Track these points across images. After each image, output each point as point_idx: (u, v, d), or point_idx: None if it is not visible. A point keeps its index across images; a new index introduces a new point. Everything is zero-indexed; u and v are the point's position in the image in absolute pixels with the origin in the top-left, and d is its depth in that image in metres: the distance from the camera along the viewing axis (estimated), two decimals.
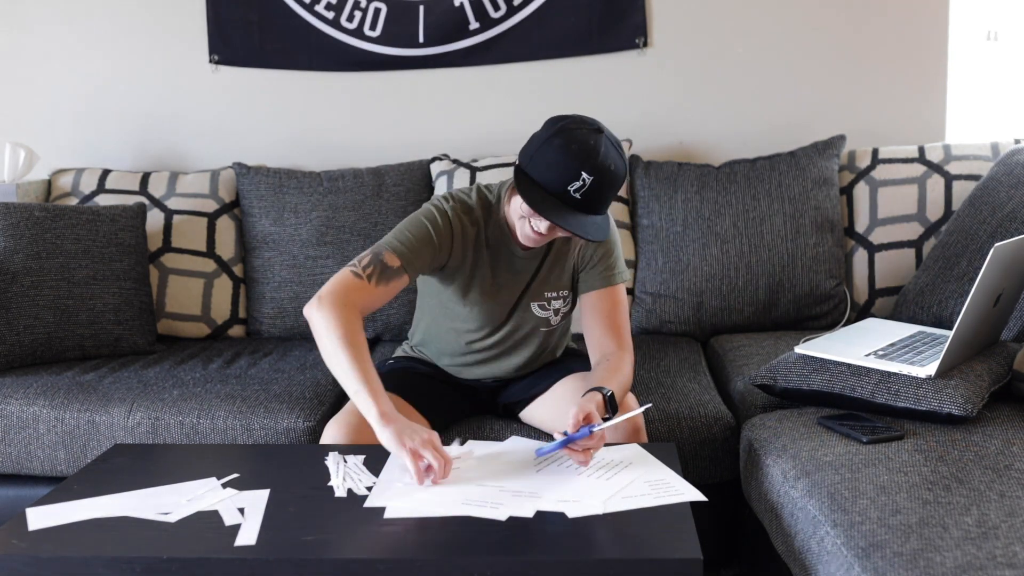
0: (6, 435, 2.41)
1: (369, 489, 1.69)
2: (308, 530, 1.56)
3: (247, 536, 1.53)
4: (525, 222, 1.95)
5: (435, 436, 1.75)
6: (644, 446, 1.88)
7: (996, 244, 1.86)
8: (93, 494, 1.72)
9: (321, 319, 1.87)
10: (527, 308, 2.13)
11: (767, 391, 2.19)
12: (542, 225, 1.91)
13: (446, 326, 2.18)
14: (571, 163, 1.84)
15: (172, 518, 1.61)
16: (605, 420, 1.80)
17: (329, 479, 1.74)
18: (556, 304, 2.13)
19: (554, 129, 1.89)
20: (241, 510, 1.63)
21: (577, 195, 1.85)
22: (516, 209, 1.97)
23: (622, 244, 2.90)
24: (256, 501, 1.66)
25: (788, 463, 1.84)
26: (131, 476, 1.82)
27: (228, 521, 1.59)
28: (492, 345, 2.17)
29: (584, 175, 1.84)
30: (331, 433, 1.99)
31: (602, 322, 2.07)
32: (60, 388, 2.47)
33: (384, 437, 1.75)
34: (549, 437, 2.11)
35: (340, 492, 1.69)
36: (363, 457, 1.83)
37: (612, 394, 1.87)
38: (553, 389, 2.14)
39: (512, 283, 2.11)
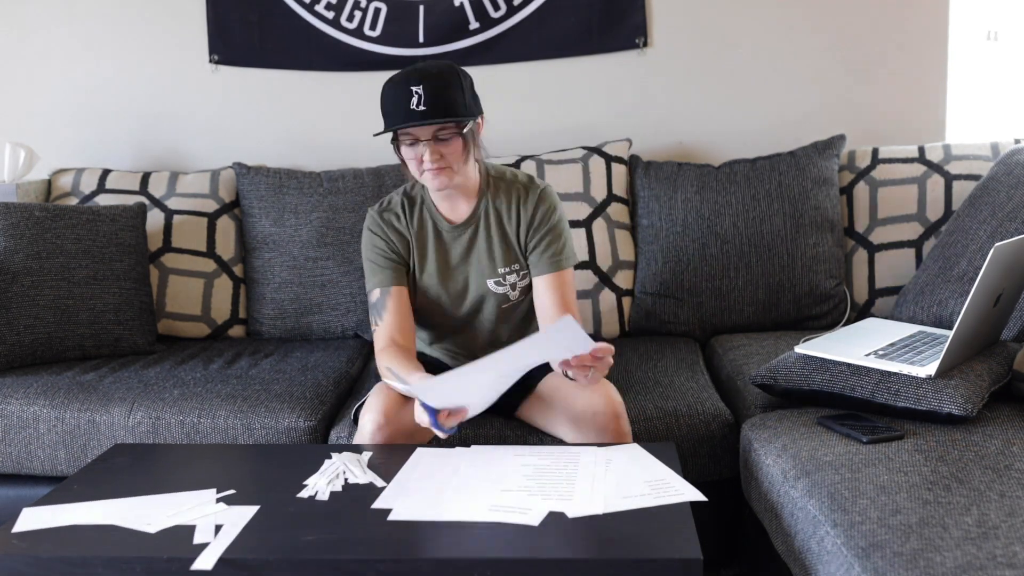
0: (6, 435, 2.41)
1: (347, 483, 1.73)
2: (308, 530, 1.56)
3: (205, 560, 1.47)
4: (417, 168, 2.08)
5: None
6: (644, 445, 1.88)
7: (996, 244, 1.86)
8: (93, 494, 1.72)
9: (381, 376, 2.12)
10: (484, 287, 2.20)
11: (767, 391, 2.19)
12: (426, 156, 2.03)
13: (422, 320, 2.27)
14: (400, 88, 2.02)
15: (152, 529, 1.57)
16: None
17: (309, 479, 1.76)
18: (512, 279, 2.19)
19: (383, 85, 2.09)
20: (219, 527, 1.56)
21: (422, 107, 2.00)
22: (410, 164, 2.09)
23: (620, 243, 2.94)
24: (237, 519, 1.60)
25: (788, 463, 1.84)
26: (131, 476, 1.82)
27: (198, 539, 1.53)
28: (460, 327, 2.24)
29: (414, 88, 2.00)
30: (369, 418, 2.02)
31: (554, 302, 2.14)
32: (60, 388, 2.47)
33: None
34: (545, 436, 2.12)
35: (322, 495, 1.69)
36: (367, 456, 1.84)
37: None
38: (539, 387, 2.17)
39: (449, 261, 2.20)
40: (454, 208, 2.19)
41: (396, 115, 2.03)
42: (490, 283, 2.19)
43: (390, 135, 2.10)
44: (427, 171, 2.07)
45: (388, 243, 2.20)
